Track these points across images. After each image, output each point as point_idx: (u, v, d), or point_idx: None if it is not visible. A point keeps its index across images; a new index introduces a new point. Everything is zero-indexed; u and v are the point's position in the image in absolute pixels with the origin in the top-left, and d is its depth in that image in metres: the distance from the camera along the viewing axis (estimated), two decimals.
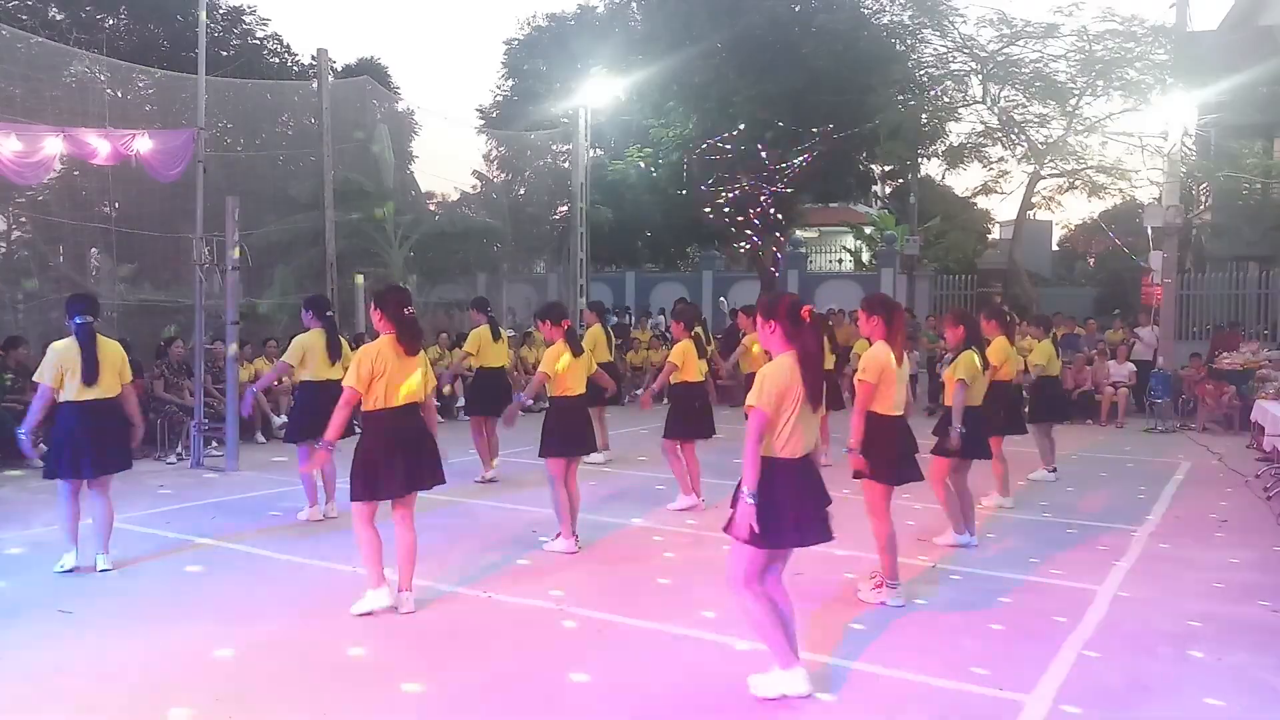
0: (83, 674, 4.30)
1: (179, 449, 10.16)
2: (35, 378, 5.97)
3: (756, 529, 3.93)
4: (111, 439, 5.95)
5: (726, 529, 4.09)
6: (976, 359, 6.78)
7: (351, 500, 5.15)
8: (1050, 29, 18.52)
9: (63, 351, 5.82)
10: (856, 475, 5.52)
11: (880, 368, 5.42)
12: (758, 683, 4.17)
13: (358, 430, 5.24)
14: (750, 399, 4.02)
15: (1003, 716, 4.05)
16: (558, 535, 6.55)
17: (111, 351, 5.96)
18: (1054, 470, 9.73)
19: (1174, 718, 4.10)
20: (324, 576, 5.50)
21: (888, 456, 5.47)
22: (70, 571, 5.83)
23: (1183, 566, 6.47)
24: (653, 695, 4.18)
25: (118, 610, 5.17)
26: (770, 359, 4.17)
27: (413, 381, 5.18)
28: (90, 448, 5.79)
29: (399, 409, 5.11)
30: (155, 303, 14.22)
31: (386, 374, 5.06)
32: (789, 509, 4.01)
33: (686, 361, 7.99)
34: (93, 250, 14.73)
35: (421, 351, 5.30)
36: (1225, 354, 15.19)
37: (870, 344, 5.68)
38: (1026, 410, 9.47)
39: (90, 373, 5.79)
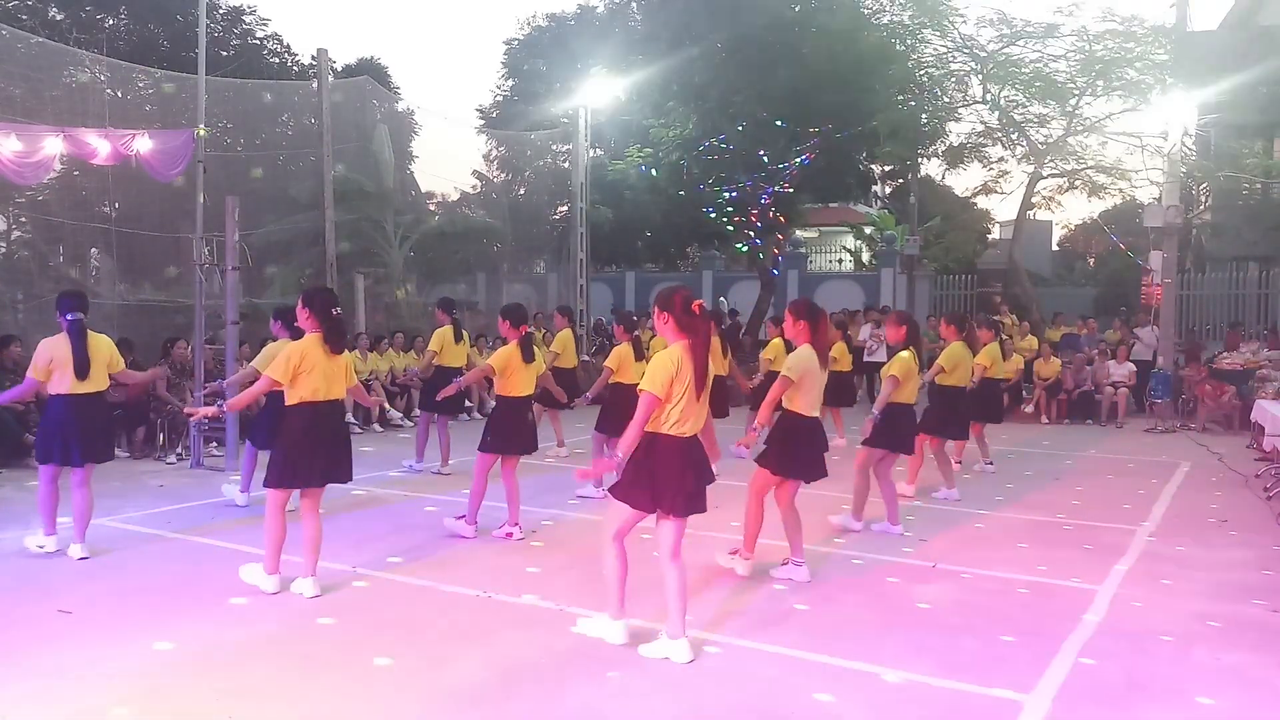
0: (83, 674, 4.29)
1: (179, 449, 10.16)
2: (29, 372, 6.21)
3: (617, 482, 4.54)
4: (99, 431, 6.27)
5: (610, 489, 4.64)
6: (913, 359, 7.17)
7: (266, 487, 5.41)
8: (1050, 29, 18.46)
9: (51, 348, 6.05)
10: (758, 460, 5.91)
11: (805, 370, 5.71)
12: (646, 647, 4.57)
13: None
14: (643, 384, 4.44)
15: (1002, 717, 4.05)
16: (460, 516, 6.85)
17: (101, 347, 6.22)
18: (977, 464, 10.14)
19: (1174, 718, 4.11)
20: (324, 576, 5.53)
21: (798, 454, 5.81)
22: (56, 554, 6.13)
23: (1183, 566, 6.47)
24: (650, 693, 4.19)
25: (118, 610, 5.17)
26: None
27: (336, 380, 5.44)
28: (80, 438, 6.07)
29: (321, 404, 5.37)
30: (155, 303, 14.21)
31: (313, 371, 5.30)
32: (671, 480, 4.45)
33: (623, 365, 8.28)
34: (93, 250, 14.73)
35: (346, 351, 5.56)
36: (1225, 354, 15.21)
37: (791, 346, 6.03)
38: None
39: (81, 368, 6.04)
